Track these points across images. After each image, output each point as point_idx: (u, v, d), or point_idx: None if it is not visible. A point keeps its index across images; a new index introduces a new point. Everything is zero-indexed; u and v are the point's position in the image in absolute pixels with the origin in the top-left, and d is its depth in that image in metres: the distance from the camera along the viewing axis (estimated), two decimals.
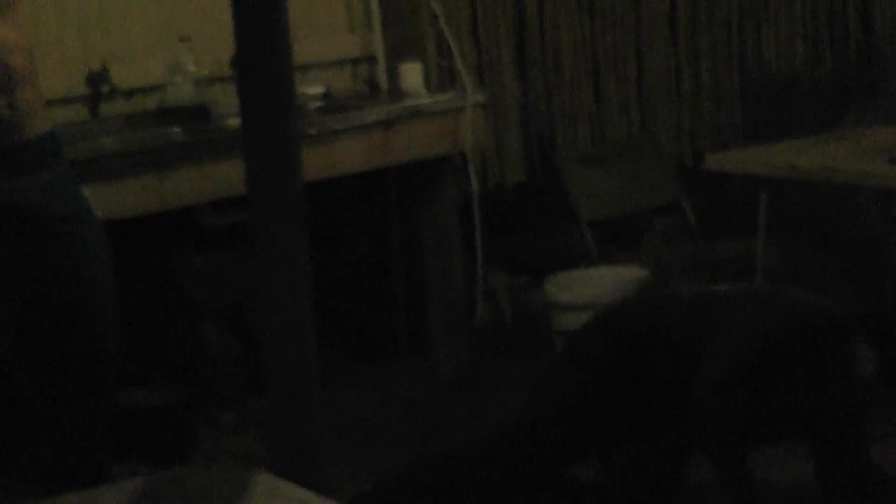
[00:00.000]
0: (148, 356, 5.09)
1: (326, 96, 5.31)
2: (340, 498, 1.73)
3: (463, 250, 5.60)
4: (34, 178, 3.39)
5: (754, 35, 6.59)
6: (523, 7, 5.92)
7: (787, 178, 5.14)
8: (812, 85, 6.64)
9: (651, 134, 6.26)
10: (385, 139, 5.16)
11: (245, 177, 1.49)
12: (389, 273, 5.78)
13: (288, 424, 1.56)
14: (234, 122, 4.81)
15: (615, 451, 3.75)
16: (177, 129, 4.76)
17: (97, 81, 4.96)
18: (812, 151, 5.19)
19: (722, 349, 3.50)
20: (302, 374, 1.54)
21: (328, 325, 5.50)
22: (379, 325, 5.78)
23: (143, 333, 5.06)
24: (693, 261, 5.67)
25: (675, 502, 3.78)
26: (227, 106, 5.00)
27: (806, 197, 5.89)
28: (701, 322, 3.61)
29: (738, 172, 5.40)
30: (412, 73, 5.46)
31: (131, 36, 5.13)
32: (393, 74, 5.60)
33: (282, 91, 1.46)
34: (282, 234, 1.47)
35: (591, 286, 5.30)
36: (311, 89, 5.22)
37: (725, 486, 3.53)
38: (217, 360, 5.20)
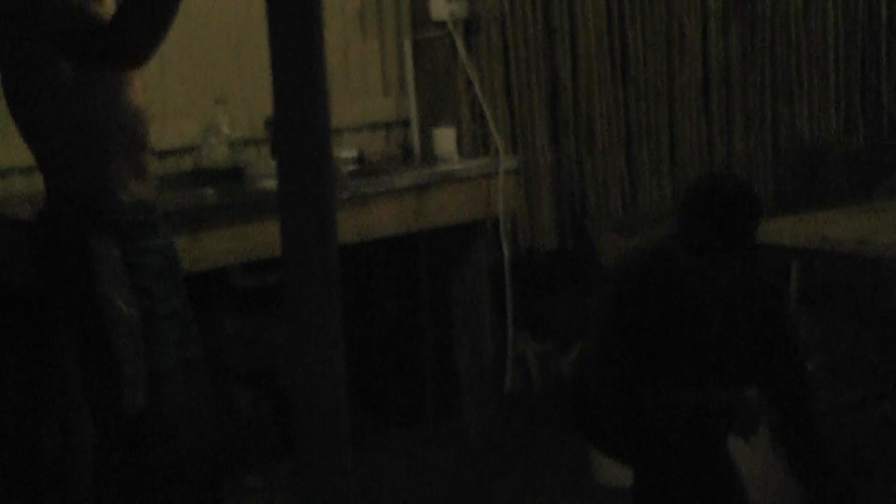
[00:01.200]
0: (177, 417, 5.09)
1: (360, 160, 5.33)
2: None
3: (493, 315, 5.60)
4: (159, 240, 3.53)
5: (787, 105, 6.61)
6: (557, 73, 5.95)
7: (818, 248, 5.13)
8: (845, 156, 6.64)
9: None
10: (418, 204, 5.18)
11: (280, 239, 1.50)
12: (419, 337, 5.78)
13: (317, 489, 1.56)
14: (268, 184, 4.84)
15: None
16: (211, 191, 4.79)
17: None
18: (844, 223, 5.18)
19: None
20: (333, 439, 1.54)
21: (357, 389, 5.50)
22: (408, 389, 5.77)
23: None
24: None
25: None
26: (261, 168, 5.03)
27: (837, 268, 5.87)
28: None
29: (770, 242, 5.38)
30: (446, 138, 5.48)
31: (168, 97, 5.17)
32: (426, 139, 5.63)
33: (319, 154, 1.47)
34: (316, 297, 1.48)
35: None
36: (344, 153, 5.25)
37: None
38: (246, 423, 5.20)
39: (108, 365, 3.44)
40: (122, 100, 3.43)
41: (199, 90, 5.20)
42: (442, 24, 5.66)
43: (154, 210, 3.56)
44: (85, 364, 3.52)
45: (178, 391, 3.53)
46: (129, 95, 3.45)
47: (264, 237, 4.63)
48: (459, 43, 5.68)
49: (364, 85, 5.71)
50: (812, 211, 5.63)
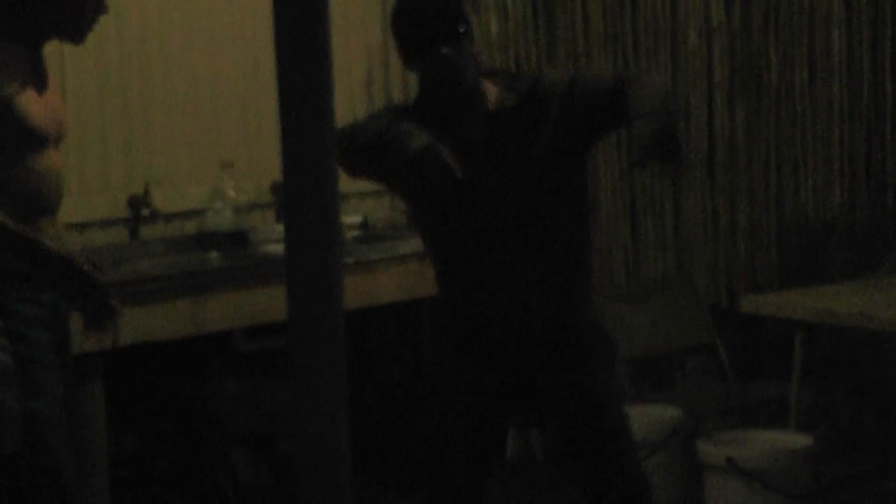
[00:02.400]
0: (177, 481, 5.08)
1: (364, 226, 5.34)
2: None
3: None
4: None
5: (791, 178, 6.63)
6: None
7: (822, 322, 5.12)
8: (849, 231, 6.65)
9: (686, 273, 6.28)
10: (421, 270, 5.19)
11: (286, 303, 1.50)
12: (421, 404, 5.77)
13: None
14: (272, 248, 4.85)
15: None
16: (215, 255, 4.80)
17: (138, 205, 5.01)
18: (848, 297, 5.18)
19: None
20: None
21: (359, 455, 5.48)
22: (409, 456, 5.75)
23: (173, 457, 5.05)
24: (726, 402, 5.64)
25: None
26: (266, 232, 5.04)
27: (841, 342, 5.87)
28: None
29: (774, 315, 5.38)
30: None
31: (174, 161, 5.19)
32: None
33: (327, 220, 1.48)
34: (321, 363, 1.48)
35: None
36: (349, 219, 5.26)
37: None
38: (246, 488, 5.18)
39: None
40: (28, 160, 3.43)
41: (206, 155, 5.22)
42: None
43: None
44: None
45: (58, 435, 3.52)
46: (37, 158, 3.45)
47: (267, 301, 4.63)
48: None
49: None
50: (816, 285, 5.63)
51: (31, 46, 3.50)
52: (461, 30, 3.43)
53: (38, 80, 3.49)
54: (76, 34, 3.54)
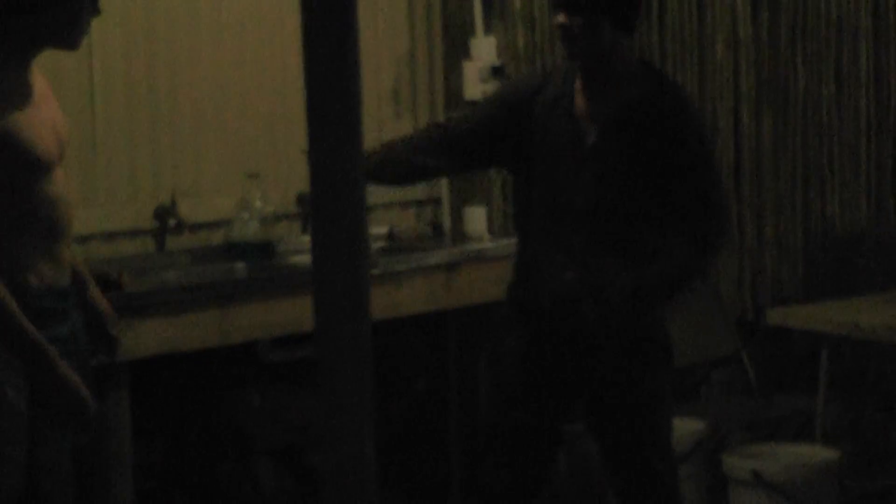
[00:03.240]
0: (202, 492, 5.08)
1: (390, 237, 5.34)
2: None
3: None
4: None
5: (819, 191, 6.60)
6: None
7: (848, 335, 5.11)
8: (876, 243, 6.63)
9: (712, 286, 6.26)
10: (447, 282, 5.18)
11: (313, 314, 1.50)
12: (446, 415, 5.76)
13: None
14: (298, 259, 4.86)
15: None
16: (241, 265, 4.81)
17: (165, 215, 5.02)
18: (875, 310, 5.16)
19: None
20: None
21: (384, 466, 5.48)
22: (435, 467, 5.75)
23: (198, 469, 5.06)
24: (751, 416, 5.62)
25: None
26: (292, 243, 5.05)
27: (867, 355, 5.85)
28: None
29: (800, 328, 5.37)
30: (476, 217, 5.50)
31: (201, 171, 5.20)
32: (457, 217, 5.64)
33: (354, 231, 1.48)
34: (348, 374, 1.48)
35: None
36: (375, 229, 5.27)
37: None
38: (272, 499, 5.18)
39: None
40: (37, 189, 3.37)
41: (232, 165, 5.23)
42: (474, 104, 5.69)
43: (66, 296, 3.49)
44: None
45: (61, 483, 3.46)
46: (45, 185, 3.39)
47: (294, 312, 4.63)
48: None
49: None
50: (842, 298, 5.61)
51: (23, 61, 3.40)
52: None
53: (30, 96, 3.39)
54: (72, 42, 3.46)
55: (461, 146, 3.87)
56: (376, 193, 5.48)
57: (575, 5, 3.63)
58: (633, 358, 3.82)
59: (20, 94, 3.36)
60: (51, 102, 3.50)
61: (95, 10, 3.44)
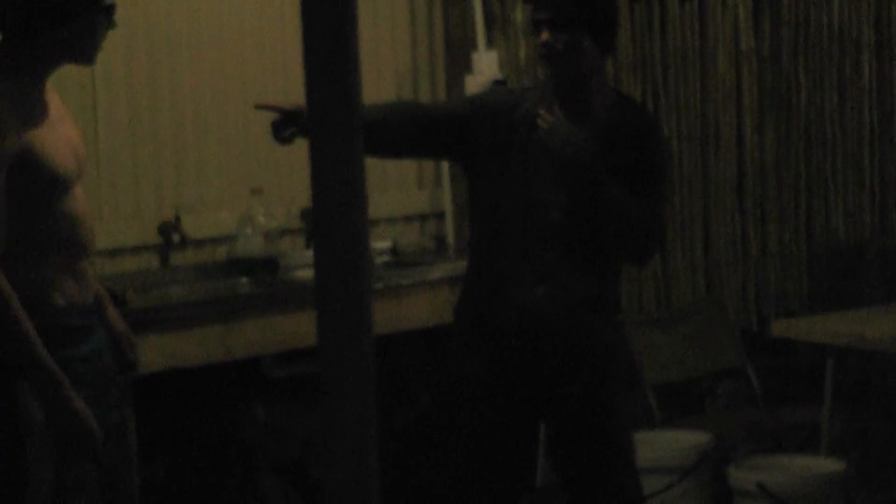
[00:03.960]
0: None
1: (394, 251, 5.35)
2: None
3: None
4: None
5: (822, 202, 6.60)
6: None
7: (853, 347, 5.10)
8: (880, 254, 6.63)
9: (716, 298, 6.25)
10: (451, 296, 5.18)
11: (316, 330, 1.50)
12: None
13: None
14: (302, 274, 4.86)
15: None
16: (245, 281, 4.81)
17: (169, 231, 5.03)
18: (880, 320, 5.15)
19: None
20: None
21: (388, 480, 5.48)
22: (437, 481, 5.74)
23: (203, 483, 5.06)
24: (756, 427, 5.61)
25: None
26: (296, 258, 5.05)
27: (872, 366, 5.84)
28: None
29: (804, 340, 5.36)
30: None
31: (204, 187, 5.21)
32: (460, 231, 5.65)
33: (356, 245, 1.48)
34: (351, 388, 1.48)
35: (653, 450, 5.25)
36: (378, 244, 5.27)
37: None
38: None
39: (15, 473, 3.38)
40: (58, 206, 3.39)
41: (236, 181, 5.24)
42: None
43: (90, 313, 3.50)
44: None
45: (89, 502, 3.47)
46: (67, 202, 3.41)
47: (297, 327, 4.64)
48: None
49: (399, 177, 5.75)
50: (847, 309, 5.60)
51: (40, 78, 3.41)
52: None
53: (47, 113, 3.41)
54: (88, 56, 3.46)
55: (425, 122, 3.78)
56: (380, 208, 5.48)
57: (560, 23, 3.65)
58: (599, 376, 3.79)
59: (38, 112, 3.37)
60: (67, 120, 3.51)
61: (110, 24, 3.45)
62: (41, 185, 3.32)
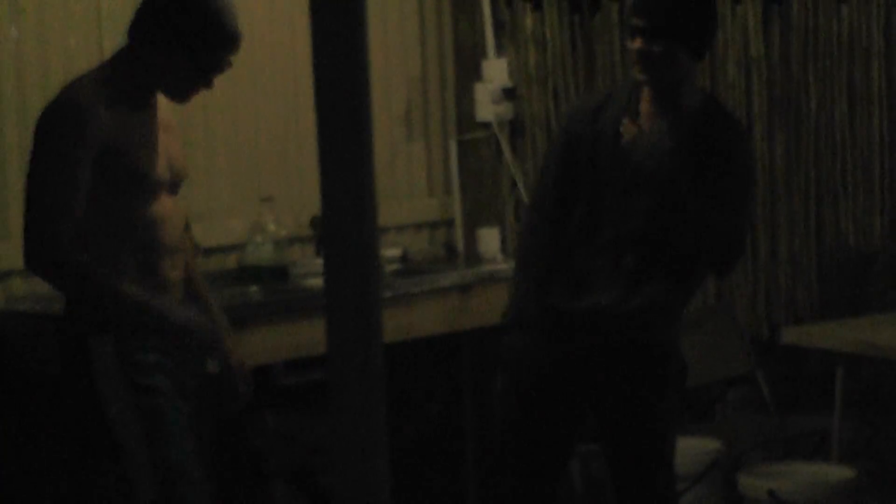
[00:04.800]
0: None
1: (404, 259, 5.34)
2: None
3: None
4: None
5: (832, 209, 6.60)
6: None
7: (864, 354, 5.09)
8: (890, 261, 6.62)
9: (727, 305, 6.25)
10: (461, 304, 5.19)
11: (326, 337, 1.51)
12: (461, 437, 5.76)
13: None
14: (312, 282, 4.86)
15: None
16: (255, 288, 4.81)
17: None
18: (890, 328, 5.15)
19: None
20: None
21: (399, 488, 5.47)
22: (450, 489, 5.74)
23: (213, 491, 5.05)
24: (767, 434, 5.61)
25: None
26: (306, 266, 5.05)
27: (883, 373, 5.83)
28: None
29: (815, 347, 5.36)
30: (490, 239, 5.50)
31: (214, 195, 5.21)
32: (470, 239, 5.65)
33: (365, 254, 1.48)
34: (361, 396, 1.48)
35: None
36: (388, 252, 5.27)
37: None
38: None
39: (113, 462, 3.46)
40: (139, 207, 3.47)
41: (246, 189, 5.24)
42: (487, 126, 5.70)
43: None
44: (93, 467, 3.54)
45: (192, 481, 3.52)
46: (149, 205, 3.49)
47: (307, 335, 4.64)
48: (504, 144, 5.71)
49: (409, 185, 5.75)
50: (857, 316, 5.60)
51: (152, 88, 3.56)
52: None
53: (148, 121, 3.54)
54: (183, 95, 3.59)
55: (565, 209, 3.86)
56: (390, 215, 5.48)
57: (657, 31, 3.66)
58: (654, 376, 3.85)
59: (137, 117, 3.49)
60: (172, 133, 3.64)
61: (208, 84, 3.56)
62: (122, 183, 3.44)
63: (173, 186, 3.60)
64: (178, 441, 3.51)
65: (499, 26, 5.72)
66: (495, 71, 5.65)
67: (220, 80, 5.01)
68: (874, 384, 5.84)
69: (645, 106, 3.77)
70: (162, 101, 3.59)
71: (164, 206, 3.53)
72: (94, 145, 3.37)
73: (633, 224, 3.75)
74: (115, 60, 3.54)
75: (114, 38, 4.96)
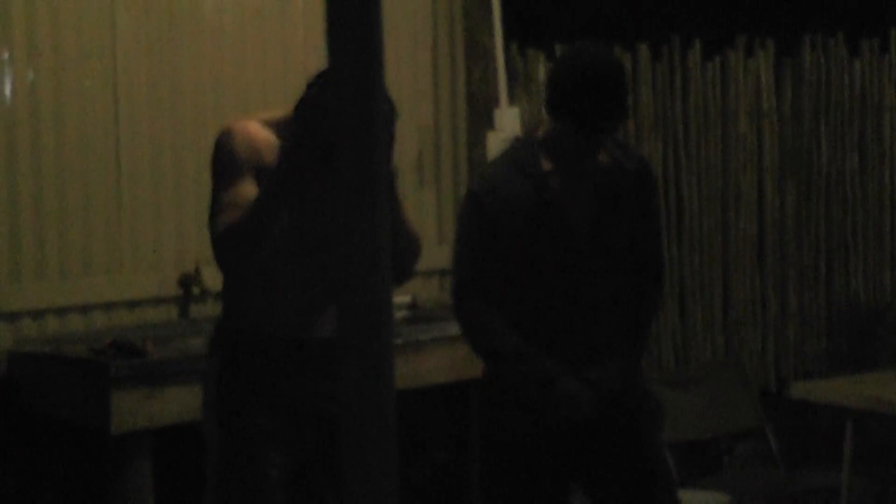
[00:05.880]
0: None
1: (413, 306, 5.34)
2: None
3: None
4: None
5: (842, 264, 6.60)
6: None
7: (872, 410, 5.08)
8: None
9: (735, 358, 6.24)
10: (469, 352, 5.17)
11: (340, 383, 1.51)
12: (468, 485, 5.74)
13: None
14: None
15: None
16: None
17: (189, 283, 5.04)
18: None
19: None
20: None
21: None
22: None
23: None
24: (775, 489, 5.58)
25: None
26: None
27: (892, 430, 5.81)
28: None
29: (824, 402, 5.34)
30: None
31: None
32: None
33: (377, 302, 1.49)
34: (373, 443, 1.48)
35: None
36: (397, 298, 5.26)
37: None
38: None
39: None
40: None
41: None
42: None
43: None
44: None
45: None
46: None
47: None
48: None
49: (420, 233, 5.75)
50: (866, 371, 5.58)
51: None
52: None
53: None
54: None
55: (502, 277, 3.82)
56: None
57: (619, 122, 3.65)
58: (639, 414, 3.83)
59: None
60: None
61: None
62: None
63: None
64: (265, 471, 3.45)
65: (511, 76, 5.74)
66: (507, 120, 5.66)
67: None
68: (884, 440, 5.82)
69: (546, 164, 3.73)
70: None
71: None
72: None
73: (601, 278, 3.71)
74: None
75: (128, 81, 5.00)
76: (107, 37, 4.97)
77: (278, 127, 3.42)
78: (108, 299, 4.92)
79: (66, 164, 4.87)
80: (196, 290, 5.06)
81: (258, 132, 3.41)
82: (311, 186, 3.34)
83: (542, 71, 5.84)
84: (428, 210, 5.78)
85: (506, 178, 3.70)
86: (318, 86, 3.35)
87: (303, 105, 3.34)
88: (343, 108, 1.52)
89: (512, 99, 5.74)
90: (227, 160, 3.37)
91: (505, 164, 3.80)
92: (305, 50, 5.39)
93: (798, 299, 6.50)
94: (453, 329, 5.15)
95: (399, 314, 5.20)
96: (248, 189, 3.31)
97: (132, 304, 4.97)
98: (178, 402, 4.40)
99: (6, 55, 4.77)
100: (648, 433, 3.84)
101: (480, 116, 5.77)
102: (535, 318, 3.72)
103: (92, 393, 4.35)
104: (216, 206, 3.37)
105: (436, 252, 5.80)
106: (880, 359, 6.25)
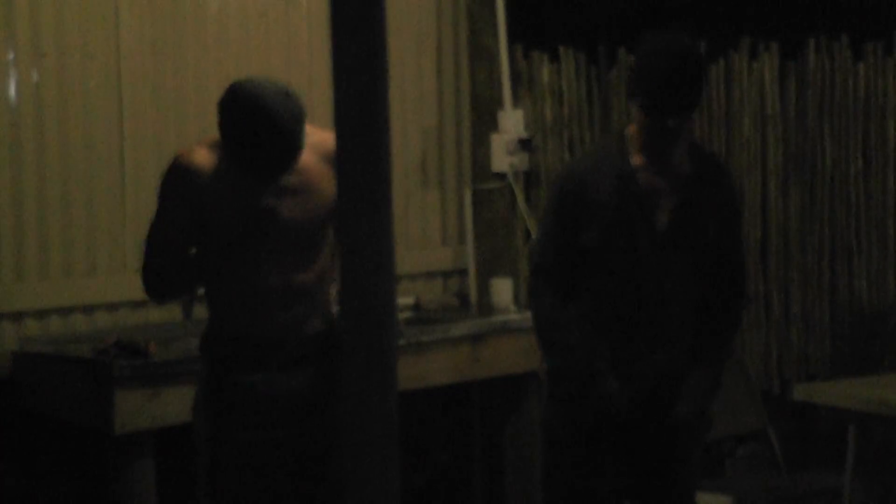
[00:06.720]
0: None
1: (416, 307, 5.34)
2: None
3: None
4: None
5: (846, 267, 6.60)
6: None
7: (876, 412, 5.08)
8: None
9: (739, 360, 6.24)
10: (473, 353, 5.18)
11: (343, 387, 1.51)
12: (470, 486, 5.74)
13: None
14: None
15: None
16: None
17: None
18: None
19: None
20: None
21: None
22: None
23: None
24: (777, 492, 5.58)
25: None
26: None
27: (895, 432, 5.81)
28: None
29: (827, 405, 5.34)
30: (503, 289, 5.49)
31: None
32: (483, 289, 5.65)
33: (382, 303, 1.49)
34: (375, 443, 1.48)
35: None
36: (401, 300, 5.26)
37: None
38: None
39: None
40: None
41: None
42: (502, 176, 5.71)
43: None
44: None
45: None
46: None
47: None
48: (519, 195, 5.72)
49: (423, 234, 5.75)
50: (869, 373, 5.58)
51: None
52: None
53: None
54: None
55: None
56: (404, 264, 5.49)
57: (687, 110, 3.67)
58: (683, 430, 3.85)
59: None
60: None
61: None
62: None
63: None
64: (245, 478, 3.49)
65: (516, 78, 5.74)
66: (511, 122, 5.66)
67: None
68: (886, 442, 5.82)
69: (637, 159, 3.75)
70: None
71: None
72: None
73: (673, 275, 3.74)
74: None
75: (132, 82, 5.00)
76: (111, 37, 4.97)
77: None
78: (112, 299, 4.93)
79: (70, 165, 4.87)
80: (199, 291, 5.05)
81: (202, 159, 3.56)
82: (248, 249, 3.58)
83: (545, 73, 5.84)
84: (431, 211, 5.78)
85: (594, 170, 3.76)
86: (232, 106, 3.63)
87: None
88: (348, 110, 1.52)
89: (516, 101, 5.74)
90: (161, 194, 3.58)
91: (595, 156, 3.88)
92: (309, 52, 5.40)
93: (801, 301, 6.50)
94: (456, 330, 5.16)
95: (402, 315, 5.20)
96: (169, 230, 3.56)
97: (136, 305, 4.97)
98: (181, 403, 4.39)
99: (10, 56, 4.78)
100: (684, 449, 3.85)
101: (484, 118, 5.77)
102: (605, 307, 3.77)
103: (95, 393, 4.36)
104: (148, 233, 3.61)
105: (440, 253, 5.81)
106: (883, 361, 6.25)
